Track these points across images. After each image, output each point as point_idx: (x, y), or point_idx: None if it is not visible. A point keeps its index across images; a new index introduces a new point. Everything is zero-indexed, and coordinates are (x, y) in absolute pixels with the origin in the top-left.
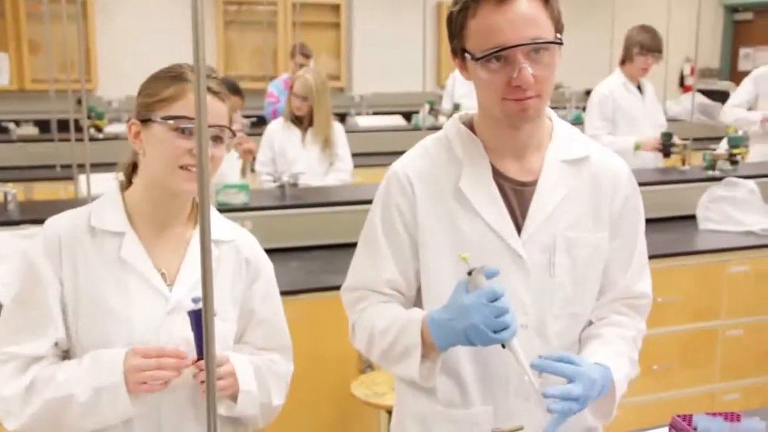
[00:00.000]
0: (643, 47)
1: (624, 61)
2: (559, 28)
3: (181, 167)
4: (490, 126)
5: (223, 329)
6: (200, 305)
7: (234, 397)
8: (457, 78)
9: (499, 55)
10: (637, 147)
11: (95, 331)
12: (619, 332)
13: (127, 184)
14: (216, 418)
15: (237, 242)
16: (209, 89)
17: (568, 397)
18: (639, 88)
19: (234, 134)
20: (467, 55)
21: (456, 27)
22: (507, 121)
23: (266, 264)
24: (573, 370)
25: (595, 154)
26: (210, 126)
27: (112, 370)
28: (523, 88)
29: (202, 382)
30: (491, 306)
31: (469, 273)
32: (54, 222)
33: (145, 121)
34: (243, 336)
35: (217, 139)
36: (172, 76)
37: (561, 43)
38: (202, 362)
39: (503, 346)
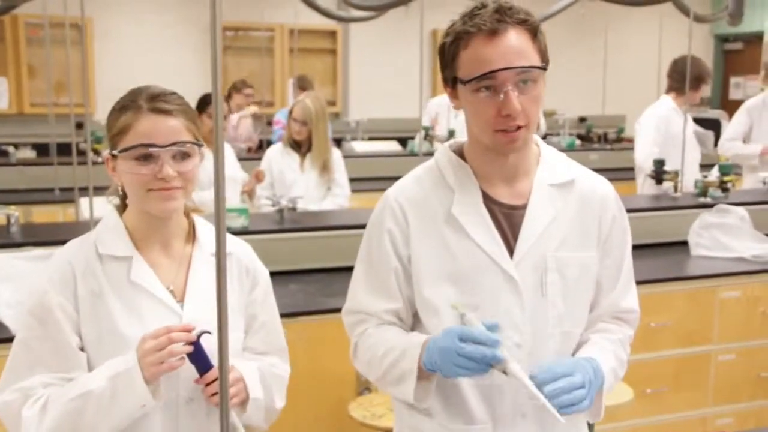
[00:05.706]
0: (709, 75)
1: (681, 90)
2: (545, 60)
3: (150, 190)
4: (480, 153)
5: (232, 339)
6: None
7: (243, 404)
8: (442, 104)
9: (489, 84)
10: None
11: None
12: (604, 336)
13: (123, 207)
14: (229, 426)
15: (236, 253)
16: (155, 109)
17: (572, 386)
18: None
19: (199, 145)
20: (459, 83)
21: (448, 57)
22: (496, 149)
23: (262, 269)
24: (565, 364)
25: (581, 178)
26: (164, 146)
27: (126, 359)
28: (512, 116)
29: (212, 394)
30: (460, 345)
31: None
32: (64, 253)
33: (114, 155)
34: (244, 341)
35: (179, 156)
36: (122, 106)
37: (545, 69)
38: (204, 377)
39: (505, 373)
